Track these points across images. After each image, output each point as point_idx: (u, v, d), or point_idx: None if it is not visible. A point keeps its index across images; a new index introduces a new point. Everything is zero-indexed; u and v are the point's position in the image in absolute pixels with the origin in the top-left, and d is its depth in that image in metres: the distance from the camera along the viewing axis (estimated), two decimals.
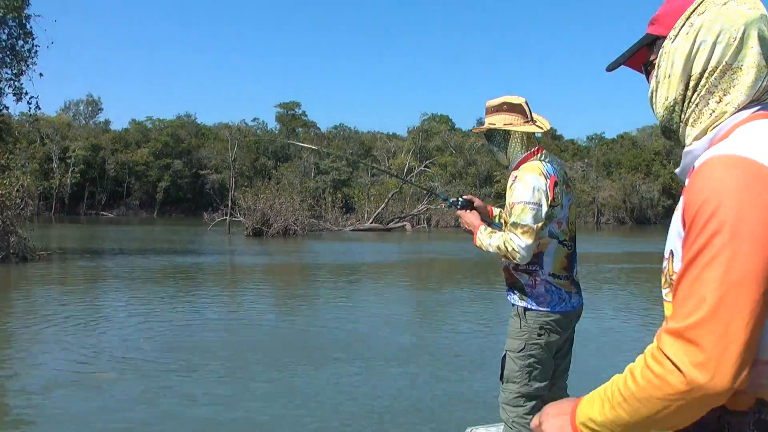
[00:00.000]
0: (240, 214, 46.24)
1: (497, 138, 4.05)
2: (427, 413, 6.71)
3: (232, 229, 46.29)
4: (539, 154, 3.95)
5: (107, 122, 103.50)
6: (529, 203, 3.75)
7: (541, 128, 4.00)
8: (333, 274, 21.46)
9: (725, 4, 1.52)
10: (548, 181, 3.82)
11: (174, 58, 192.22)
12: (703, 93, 1.53)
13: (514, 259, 3.79)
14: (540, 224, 3.75)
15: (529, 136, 4.01)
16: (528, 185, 3.78)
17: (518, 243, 3.74)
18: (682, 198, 1.45)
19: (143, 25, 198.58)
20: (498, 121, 4.00)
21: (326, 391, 7.48)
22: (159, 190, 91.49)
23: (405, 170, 67.76)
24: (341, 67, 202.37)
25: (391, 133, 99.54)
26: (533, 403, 3.92)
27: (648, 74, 1.69)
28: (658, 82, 1.61)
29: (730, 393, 1.29)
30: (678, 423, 1.38)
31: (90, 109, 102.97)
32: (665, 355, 1.33)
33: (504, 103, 4.00)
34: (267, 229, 43.07)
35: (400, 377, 8.07)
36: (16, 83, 25.66)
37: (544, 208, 3.76)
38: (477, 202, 4.30)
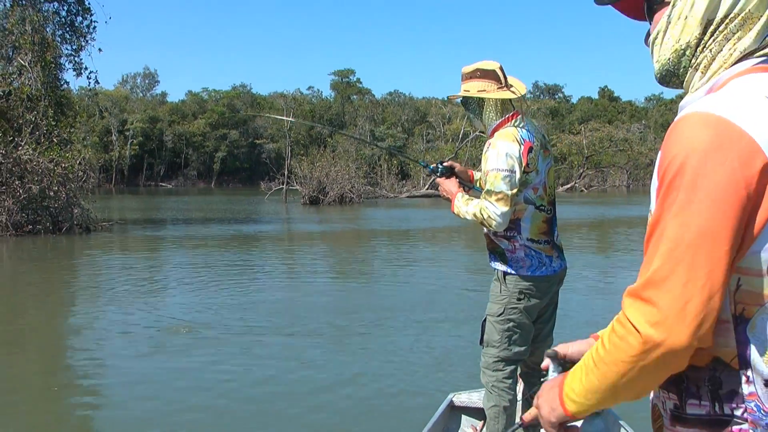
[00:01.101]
0: (296, 183, 46.60)
1: (472, 105, 4.02)
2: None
3: (289, 198, 46.71)
4: (514, 120, 3.93)
5: (164, 94, 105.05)
6: (501, 170, 3.74)
7: (515, 93, 3.97)
8: (391, 239, 21.59)
9: None
10: (522, 147, 3.80)
11: (229, 29, 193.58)
12: (719, 38, 1.47)
13: (491, 226, 3.79)
14: (514, 190, 3.75)
15: (504, 101, 3.97)
16: (501, 152, 3.76)
17: (493, 210, 3.75)
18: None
19: None
20: (472, 88, 3.97)
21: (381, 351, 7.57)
22: (216, 160, 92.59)
23: (460, 136, 67.36)
24: (396, 33, 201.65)
25: (446, 98, 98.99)
26: (513, 367, 3.97)
27: (651, 12, 1.60)
28: (669, 23, 1.53)
29: (689, 351, 1.30)
30: (644, 387, 1.40)
31: (147, 81, 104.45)
32: (626, 316, 1.35)
33: (477, 70, 3.98)
34: (323, 197, 43.42)
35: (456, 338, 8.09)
36: (75, 59, 26.10)
37: (518, 175, 3.75)
38: (458, 167, 4.27)
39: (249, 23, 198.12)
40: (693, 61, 1.52)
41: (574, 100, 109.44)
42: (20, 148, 21.83)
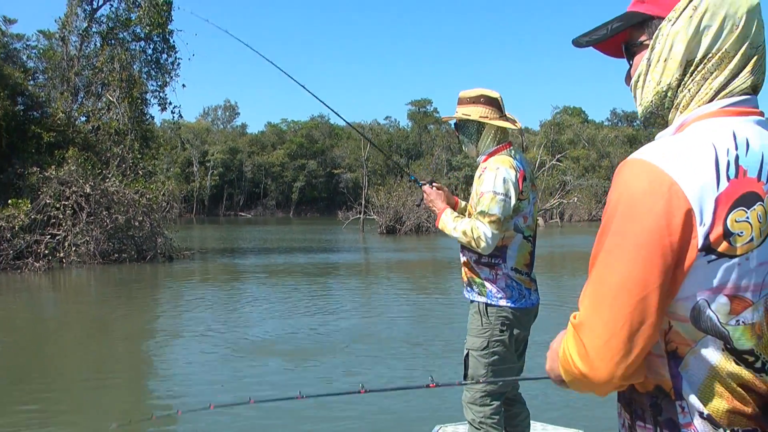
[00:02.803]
0: (373, 212, 47.03)
1: (470, 129, 3.97)
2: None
3: (366, 227, 47.10)
4: (509, 149, 3.90)
5: (244, 126, 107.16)
6: (498, 193, 3.69)
7: (516, 126, 3.97)
8: None
9: None
10: (518, 174, 3.76)
11: (307, 60, 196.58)
12: (698, 78, 1.48)
13: (479, 246, 3.71)
14: (507, 216, 3.71)
15: (503, 130, 3.95)
16: (498, 176, 3.72)
17: (484, 231, 3.68)
18: None
19: (275, 32, 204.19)
20: (473, 112, 3.93)
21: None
22: (294, 190, 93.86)
23: (536, 164, 66.98)
24: (472, 63, 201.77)
25: (523, 127, 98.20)
26: (499, 401, 3.86)
27: (631, 54, 1.62)
28: (649, 65, 1.54)
29: (613, 383, 1.41)
30: (593, 392, 1.50)
31: (227, 113, 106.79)
32: (567, 342, 1.47)
33: (482, 96, 3.95)
34: (400, 226, 43.63)
35: None
36: (160, 94, 27.20)
37: (512, 200, 3.71)
38: (445, 191, 4.19)
39: (327, 54, 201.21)
40: (674, 100, 1.53)
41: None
42: (107, 180, 22.74)
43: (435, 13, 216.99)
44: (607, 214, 1.42)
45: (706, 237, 1.33)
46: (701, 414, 1.40)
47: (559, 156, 71.50)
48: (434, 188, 4.15)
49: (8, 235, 20.11)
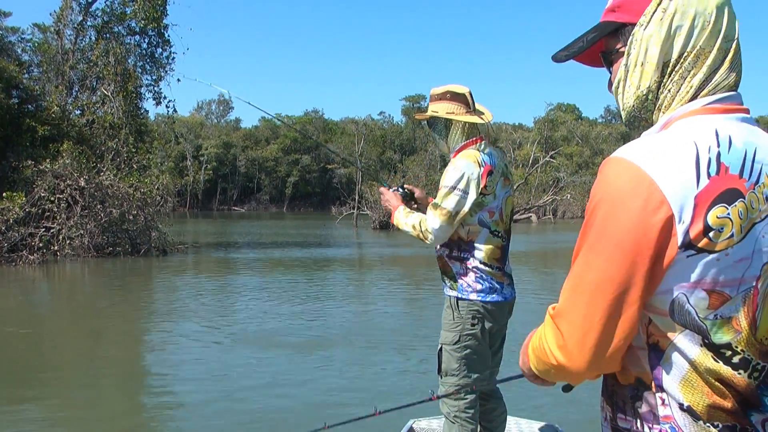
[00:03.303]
0: (367, 208, 47.17)
1: (439, 126, 3.98)
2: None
3: (360, 222, 47.24)
4: (478, 144, 3.90)
5: (238, 120, 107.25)
6: (455, 188, 3.70)
7: (483, 120, 3.94)
8: None
9: None
10: (482, 169, 3.76)
11: (301, 56, 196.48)
12: (676, 78, 1.51)
13: (426, 239, 3.77)
14: (462, 211, 3.70)
15: (471, 125, 3.94)
16: (458, 171, 3.73)
17: (431, 223, 3.72)
18: None
19: (270, 27, 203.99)
20: (440, 109, 3.94)
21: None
22: (288, 185, 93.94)
23: (530, 161, 67.12)
24: (466, 59, 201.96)
25: (517, 124, 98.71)
26: (473, 395, 3.85)
27: (609, 63, 1.64)
28: (627, 71, 1.56)
29: (590, 374, 1.48)
30: (567, 381, 1.62)
31: (221, 108, 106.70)
32: (544, 333, 1.53)
33: (448, 92, 3.95)
34: None
35: None
36: (155, 88, 27.28)
37: (471, 196, 3.71)
38: (418, 192, 4.23)
39: (321, 50, 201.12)
40: (657, 102, 1.54)
41: None
42: (102, 173, 22.82)
43: (429, 9, 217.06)
44: (589, 210, 1.45)
45: (686, 234, 1.34)
46: (681, 406, 1.43)
47: (552, 153, 71.54)
48: (402, 191, 4.16)
49: (3, 228, 20.16)
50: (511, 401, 4.28)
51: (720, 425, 1.42)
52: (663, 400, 1.45)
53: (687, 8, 1.47)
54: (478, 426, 3.98)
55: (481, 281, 3.79)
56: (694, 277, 1.37)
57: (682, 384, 1.42)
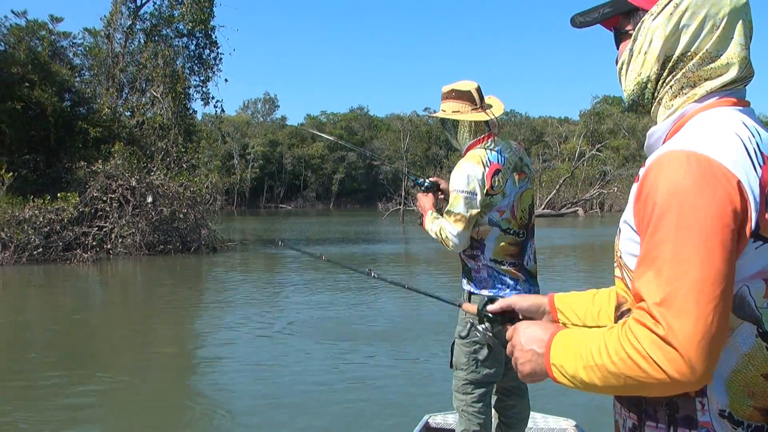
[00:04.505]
0: (413, 204, 47.26)
1: (448, 125, 3.99)
2: None
3: (406, 218, 47.34)
4: (486, 141, 3.88)
5: (284, 118, 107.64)
6: (462, 191, 3.71)
7: (489, 115, 3.91)
8: None
9: None
10: (487, 169, 3.75)
11: (346, 53, 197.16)
12: (678, 76, 1.50)
13: (448, 246, 3.80)
14: (474, 212, 3.72)
15: (478, 123, 3.91)
16: (462, 174, 3.74)
17: (450, 230, 3.75)
18: (637, 184, 1.45)
19: (315, 26, 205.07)
20: (447, 108, 3.94)
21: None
22: (334, 182, 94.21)
23: (576, 155, 66.61)
24: (511, 53, 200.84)
25: (563, 118, 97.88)
26: (483, 390, 3.85)
27: (618, 40, 1.63)
28: (631, 56, 1.56)
29: (706, 381, 1.31)
30: (643, 394, 1.43)
31: (267, 106, 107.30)
32: (642, 347, 1.32)
33: (453, 90, 3.93)
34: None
35: None
36: (203, 89, 27.78)
37: (479, 197, 3.71)
38: (443, 184, 4.17)
39: (366, 46, 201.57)
40: (655, 94, 1.55)
41: None
42: (152, 173, 23.32)
43: (473, 4, 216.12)
44: (656, 209, 1.35)
45: (757, 222, 1.32)
46: (722, 411, 1.39)
47: (598, 146, 70.78)
48: (428, 183, 4.17)
49: (58, 228, 20.71)
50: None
51: (753, 425, 1.40)
52: (703, 405, 1.40)
53: (698, 9, 1.46)
54: (495, 420, 4.04)
55: (492, 278, 3.81)
56: (758, 267, 1.35)
57: (726, 385, 1.39)
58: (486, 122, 3.95)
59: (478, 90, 3.94)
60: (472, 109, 3.89)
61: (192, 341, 10.27)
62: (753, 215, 1.31)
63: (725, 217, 1.29)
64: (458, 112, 3.90)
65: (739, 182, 1.31)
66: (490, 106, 3.97)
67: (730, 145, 1.35)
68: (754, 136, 1.39)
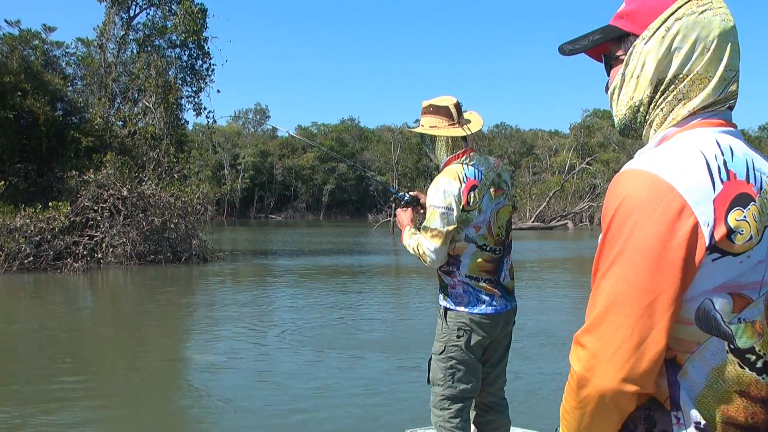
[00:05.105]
0: None
1: (427, 140, 4.03)
2: None
3: (396, 230, 47.27)
4: (463, 157, 3.88)
5: (274, 129, 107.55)
6: (438, 207, 3.72)
7: (466, 131, 3.90)
8: None
9: (702, 12, 1.50)
10: (463, 185, 3.75)
11: (337, 64, 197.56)
12: (669, 98, 1.52)
13: (425, 261, 3.82)
14: (451, 227, 3.73)
15: (455, 138, 3.92)
16: (439, 189, 3.75)
17: (427, 246, 3.77)
18: None
19: (307, 37, 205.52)
20: (426, 123, 3.95)
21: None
22: (324, 193, 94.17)
23: (566, 168, 66.90)
24: (502, 65, 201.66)
25: (553, 130, 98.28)
26: (460, 405, 3.84)
27: (609, 66, 1.65)
28: (623, 80, 1.58)
29: (624, 394, 1.37)
30: (607, 412, 1.43)
31: (258, 117, 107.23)
32: (571, 364, 1.44)
33: (430, 105, 3.95)
34: None
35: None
36: (195, 99, 27.90)
37: (455, 212, 3.72)
38: (423, 198, 4.15)
39: (357, 58, 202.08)
40: (647, 117, 1.57)
41: None
42: (144, 183, 23.37)
43: (464, 15, 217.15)
44: (607, 224, 1.43)
45: (711, 236, 1.34)
46: (697, 424, 1.41)
47: (588, 159, 71.13)
48: (408, 197, 4.21)
49: (49, 237, 20.73)
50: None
51: None
52: (678, 419, 1.43)
53: (689, 32, 1.48)
54: None
55: (468, 294, 3.82)
56: (720, 280, 1.37)
57: (699, 400, 1.41)
58: (464, 138, 3.95)
59: (457, 106, 3.96)
60: (449, 125, 3.91)
61: (182, 349, 10.30)
62: (704, 230, 1.34)
63: (662, 236, 1.34)
64: (435, 127, 3.92)
65: (684, 200, 1.35)
66: (468, 122, 3.98)
67: (686, 164, 1.39)
68: (723, 154, 1.42)
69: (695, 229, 1.34)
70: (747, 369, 1.41)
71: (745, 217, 1.36)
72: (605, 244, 1.43)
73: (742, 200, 1.38)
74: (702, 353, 1.40)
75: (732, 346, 1.40)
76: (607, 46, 1.64)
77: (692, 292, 1.37)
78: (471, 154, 3.92)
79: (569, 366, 1.46)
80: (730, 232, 1.35)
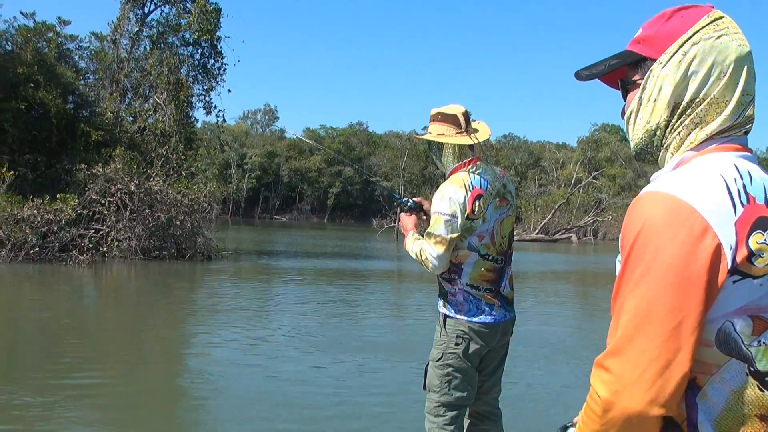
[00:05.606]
0: None
1: (434, 147, 4.06)
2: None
3: (400, 236, 47.29)
4: (470, 166, 3.92)
5: (282, 130, 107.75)
6: (443, 214, 3.74)
7: (473, 140, 3.93)
8: None
9: (719, 37, 1.51)
10: (469, 193, 3.78)
11: (347, 69, 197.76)
12: (687, 122, 1.54)
13: (428, 267, 3.83)
14: (454, 235, 3.74)
15: (462, 147, 3.95)
16: (444, 196, 3.77)
17: (430, 252, 3.77)
18: None
19: (318, 40, 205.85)
20: (434, 130, 3.98)
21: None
22: (330, 196, 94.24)
23: (572, 181, 66.88)
24: (512, 76, 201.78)
25: (561, 143, 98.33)
26: (454, 413, 3.86)
27: (626, 91, 1.67)
28: (640, 104, 1.60)
29: (649, 417, 1.36)
30: None
31: (267, 117, 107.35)
32: (592, 386, 1.43)
33: (439, 113, 3.98)
34: None
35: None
36: (206, 98, 27.98)
37: (459, 220, 3.74)
38: (426, 205, 4.20)
39: (367, 63, 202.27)
40: (663, 141, 1.58)
41: None
42: (151, 179, 23.43)
43: (475, 23, 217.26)
44: (629, 246, 1.43)
45: (733, 259, 1.35)
46: None
47: (595, 173, 71.01)
48: (411, 203, 4.24)
49: (55, 228, 20.81)
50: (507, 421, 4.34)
51: None
52: None
53: (706, 56, 1.50)
54: None
55: (468, 302, 3.84)
56: (739, 303, 1.38)
57: (718, 422, 1.41)
58: (471, 146, 3.99)
59: (465, 114, 3.99)
60: (456, 133, 3.93)
61: (184, 346, 10.37)
62: (727, 252, 1.35)
63: (685, 257, 1.35)
64: (443, 134, 3.95)
65: (706, 222, 1.36)
66: (476, 131, 4.01)
67: (707, 186, 1.40)
68: (742, 178, 1.43)
69: (718, 250, 1.35)
70: (767, 392, 1.41)
71: (765, 240, 1.38)
72: (627, 266, 1.43)
73: (762, 224, 1.39)
74: (722, 375, 1.41)
75: (752, 369, 1.41)
76: (624, 71, 1.66)
77: (713, 313, 1.38)
78: (478, 163, 3.95)
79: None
80: (751, 255, 1.37)
